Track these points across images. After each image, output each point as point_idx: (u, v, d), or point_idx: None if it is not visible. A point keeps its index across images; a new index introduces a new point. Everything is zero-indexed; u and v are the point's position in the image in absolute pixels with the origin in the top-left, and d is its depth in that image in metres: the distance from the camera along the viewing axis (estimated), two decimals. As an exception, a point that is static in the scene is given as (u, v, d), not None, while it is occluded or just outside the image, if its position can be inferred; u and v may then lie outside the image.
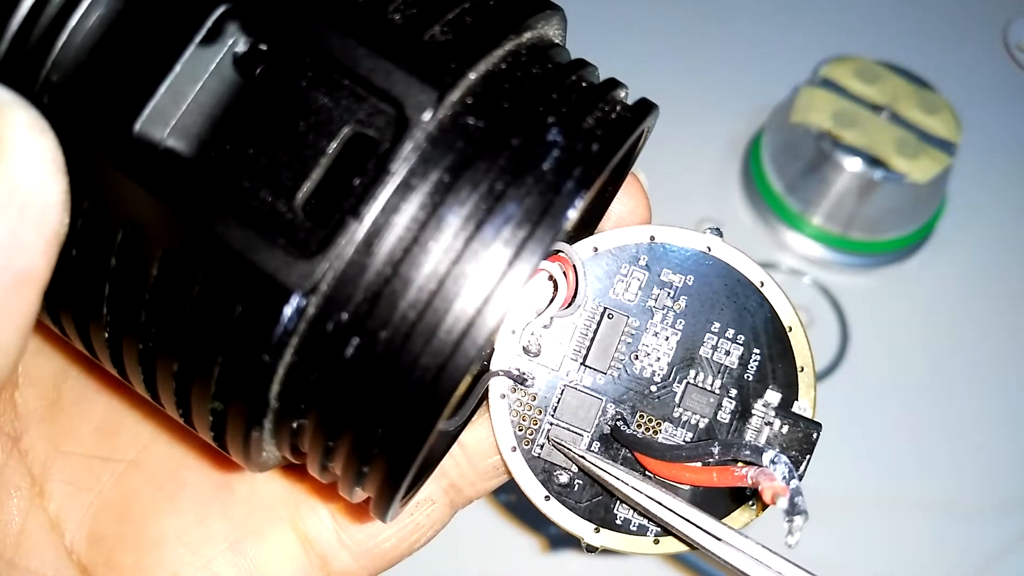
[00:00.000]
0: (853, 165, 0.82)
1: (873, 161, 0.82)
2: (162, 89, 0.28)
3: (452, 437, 0.38)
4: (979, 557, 0.76)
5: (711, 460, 0.34)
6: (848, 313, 0.85)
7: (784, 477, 0.31)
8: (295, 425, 0.30)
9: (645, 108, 0.32)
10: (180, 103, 0.28)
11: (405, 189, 0.28)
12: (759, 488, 0.32)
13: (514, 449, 0.37)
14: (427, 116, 0.28)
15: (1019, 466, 0.80)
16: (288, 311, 0.27)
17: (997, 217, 0.92)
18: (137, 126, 0.28)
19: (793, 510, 0.31)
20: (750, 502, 0.37)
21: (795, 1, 1.01)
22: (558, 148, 0.29)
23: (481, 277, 0.28)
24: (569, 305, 0.36)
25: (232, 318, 0.28)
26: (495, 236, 0.28)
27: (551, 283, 0.36)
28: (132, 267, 0.29)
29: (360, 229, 0.27)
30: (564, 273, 0.36)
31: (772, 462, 0.32)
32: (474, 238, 0.28)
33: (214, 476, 0.40)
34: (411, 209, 0.28)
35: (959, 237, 0.90)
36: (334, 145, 0.28)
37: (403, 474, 0.30)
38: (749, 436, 0.37)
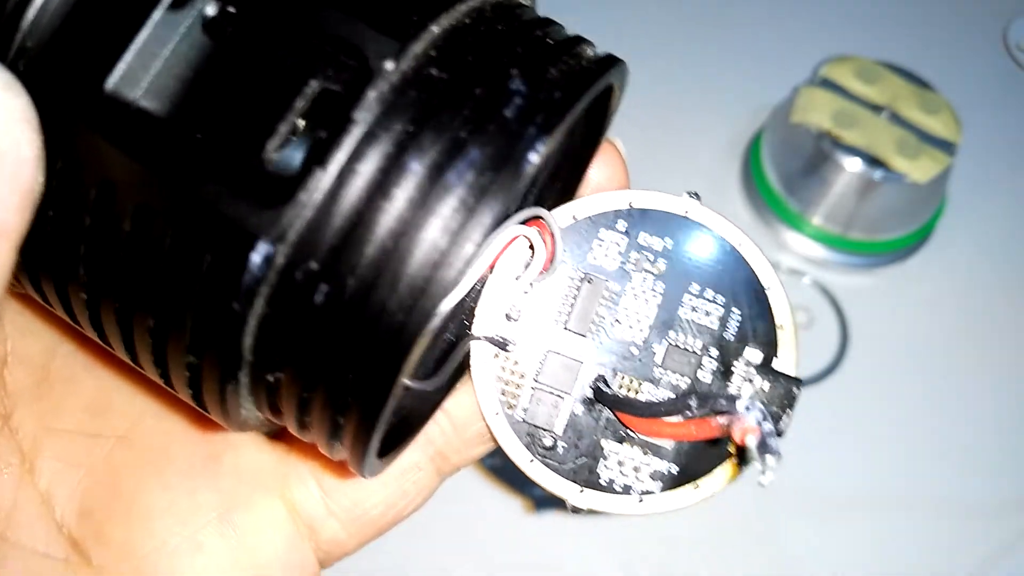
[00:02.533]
0: (853, 165, 0.82)
1: (873, 161, 0.82)
2: (132, 51, 0.29)
3: (435, 402, 0.39)
4: (979, 557, 0.75)
5: (689, 413, 0.34)
6: (848, 313, 0.84)
7: (757, 421, 0.31)
8: (271, 379, 0.31)
9: (610, 61, 0.33)
10: (151, 65, 0.29)
11: (370, 138, 0.28)
12: (731, 433, 0.32)
13: (497, 414, 0.37)
14: (390, 66, 0.28)
15: (1020, 466, 0.79)
16: (256, 258, 0.28)
17: (997, 217, 0.91)
18: (108, 87, 0.29)
19: (764, 449, 0.31)
20: (733, 458, 0.37)
21: (795, 1, 1.01)
22: (520, 96, 0.29)
23: (446, 220, 0.28)
24: (547, 270, 0.36)
25: (202, 269, 0.28)
26: (459, 180, 0.28)
27: (530, 249, 0.37)
28: (106, 224, 0.30)
29: (326, 178, 0.28)
30: (542, 238, 0.36)
31: (746, 408, 0.32)
32: (438, 183, 0.28)
33: (203, 449, 0.40)
34: (376, 158, 0.28)
35: (959, 237, 0.90)
36: (301, 101, 0.28)
37: (375, 418, 0.30)
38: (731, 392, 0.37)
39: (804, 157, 0.85)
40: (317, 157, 0.28)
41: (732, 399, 0.33)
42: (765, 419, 0.32)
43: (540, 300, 0.37)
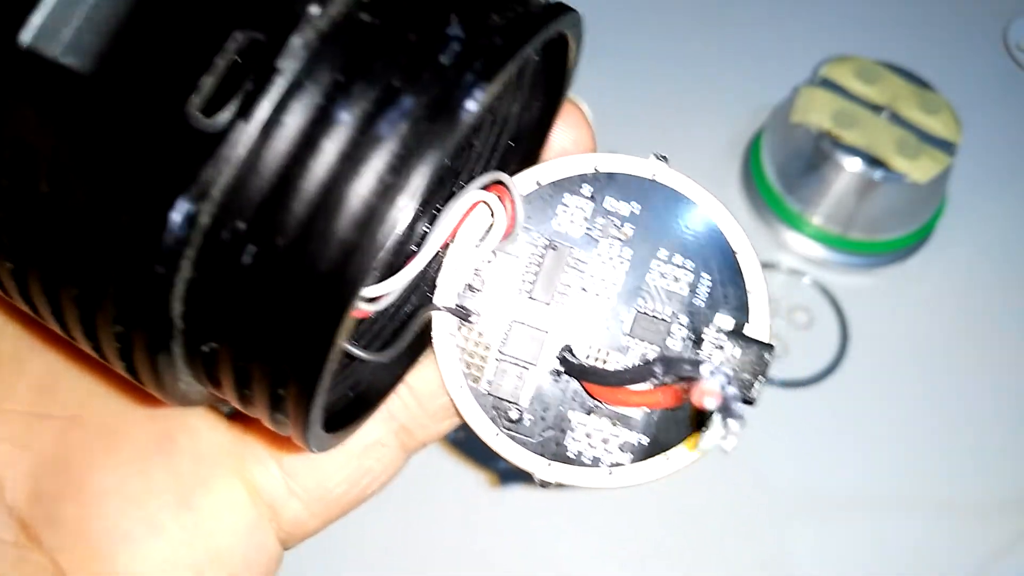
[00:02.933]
0: (853, 165, 0.82)
1: (873, 161, 0.81)
2: (49, 3, 0.27)
3: (396, 375, 0.38)
4: (979, 557, 0.74)
5: (656, 380, 0.33)
6: (848, 313, 0.83)
7: (720, 385, 0.30)
8: (207, 349, 0.29)
9: (559, 8, 0.31)
10: (71, 18, 0.28)
11: (296, 89, 0.26)
12: (692, 397, 0.31)
13: (461, 387, 0.36)
14: (315, 11, 0.27)
15: (1020, 466, 0.78)
16: (176, 217, 0.26)
17: (997, 217, 0.90)
18: (25, 42, 0.27)
19: (727, 413, 0.30)
20: (701, 426, 0.36)
21: (795, 1, 1.00)
22: (458, 42, 0.28)
23: (379, 173, 0.27)
24: (508, 236, 0.36)
25: (121, 231, 0.27)
26: (391, 131, 0.27)
27: (491, 215, 0.36)
28: (23, 186, 0.28)
29: (250, 132, 0.26)
30: (502, 203, 0.35)
31: (711, 372, 0.31)
32: (369, 135, 0.27)
33: (156, 429, 0.39)
34: (303, 109, 0.27)
35: (959, 237, 0.89)
36: (226, 53, 0.27)
37: (313, 386, 0.28)
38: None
39: (804, 157, 0.84)
40: (240, 110, 0.26)
41: (697, 364, 0.32)
42: (729, 383, 0.31)
43: (504, 269, 0.36)
